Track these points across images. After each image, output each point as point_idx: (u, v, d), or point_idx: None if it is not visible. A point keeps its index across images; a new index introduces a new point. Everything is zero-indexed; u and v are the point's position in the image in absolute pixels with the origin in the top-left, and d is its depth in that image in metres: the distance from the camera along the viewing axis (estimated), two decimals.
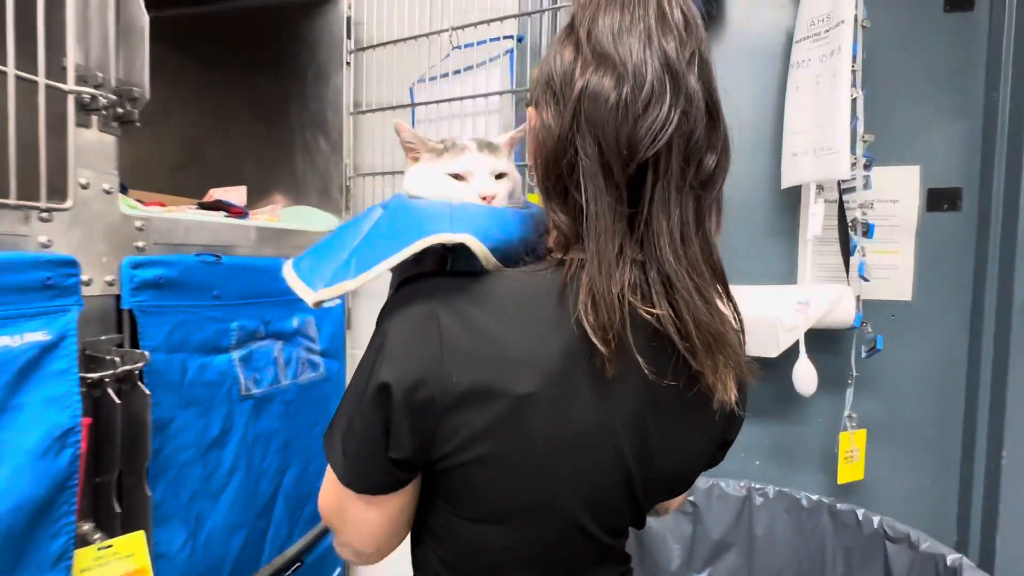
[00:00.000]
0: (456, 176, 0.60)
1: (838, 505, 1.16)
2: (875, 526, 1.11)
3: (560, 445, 0.46)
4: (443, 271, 0.51)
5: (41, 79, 0.64)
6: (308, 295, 0.48)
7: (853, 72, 1.08)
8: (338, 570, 1.29)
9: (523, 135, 0.66)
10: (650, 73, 0.45)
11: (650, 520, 1.22)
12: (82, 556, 0.67)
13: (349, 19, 1.33)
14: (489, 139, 0.64)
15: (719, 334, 0.46)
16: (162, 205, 0.89)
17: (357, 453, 0.48)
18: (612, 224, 0.45)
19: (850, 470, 1.16)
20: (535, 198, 1.16)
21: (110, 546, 0.70)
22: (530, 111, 0.54)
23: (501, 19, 1.16)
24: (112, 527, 0.73)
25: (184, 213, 0.91)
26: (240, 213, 1.02)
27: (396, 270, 0.50)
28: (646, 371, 0.46)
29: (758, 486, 1.25)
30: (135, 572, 0.71)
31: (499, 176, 0.61)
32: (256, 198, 1.40)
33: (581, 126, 0.46)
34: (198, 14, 1.43)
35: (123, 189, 0.86)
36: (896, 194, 1.23)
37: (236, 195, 1.25)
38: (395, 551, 0.58)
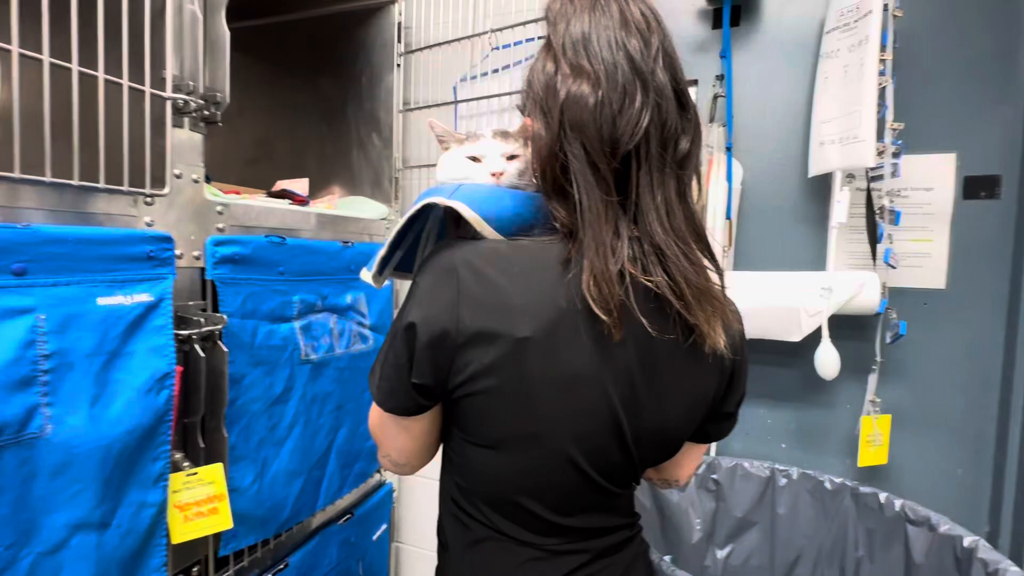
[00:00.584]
0: (473, 159, 0.69)
1: (861, 488, 1.19)
2: (897, 509, 1.13)
3: (551, 382, 0.55)
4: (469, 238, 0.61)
5: (147, 88, 0.78)
6: (367, 276, 0.65)
7: (883, 61, 1.09)
8: (384, 526, 1.43)
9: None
10: (621, 75, 0.53)
11: (671, 493, 1.28)
12: (175, 479, 0.82)
13: (400, 24, 1.45)
14: (505, 128, 0.73)
15: (706, 288, 0.55)
16: (238, 193, 1.04)
17: (388, 379, 0.59)
18: (604, 212, 0.54)
19: (872, 454, 1.18)
20: None
21: (195, 473, 0.84)
22: (526, 120, 0.63)
23: (536, 21, 1.24)
24: (197, 459, 0.88)
25: (256, 200, 1.05)
26: (302, 201, 1.16)
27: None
28: (649, 330, 0.54)
29: (782, 467, 1.29)
30: (214, 496, 0.85)
31: (510, 158, 0.70)
32: (317, 188, 1.56)
33: (567, 131, 0.54)
34: (268, 24, 1.60)
35: (207, 179, 1.02)
36: (930, 182, 1.22)
37: (300, 186, 1.40)
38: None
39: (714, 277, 0.57)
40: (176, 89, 0.83)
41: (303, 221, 1.14)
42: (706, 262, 0.57)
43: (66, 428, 0.68)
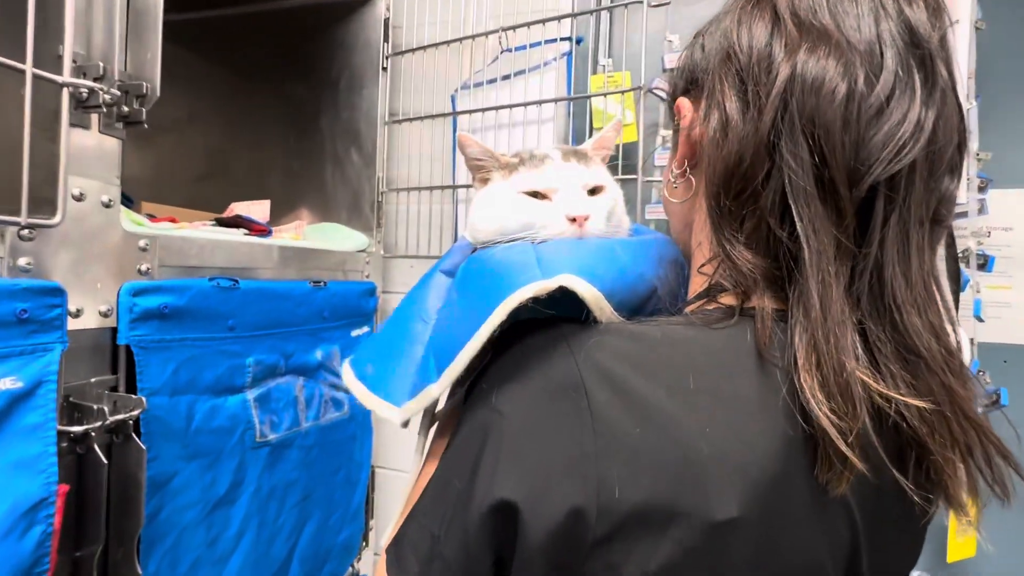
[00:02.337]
0: (535, 195, 0.46)
1: None
2: None
3: None
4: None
5: (28, 67, 0.52)
6: (393, 414, 0.39)
7: (966, 80, 0.93)
8: None
9: (616, 135, 0.53)
10: (890, 56, 0.32)
11: None
12: None
13: (387, 21, 1.22)
14: (575, 146, 0.50)
15: (982, 426, 0.33)
16: (174, 221, 0.78)
17: None
18: (838, 265, 0.32)
19: (961, 546, 0.98)
20: None
21: None
22: (682, 102, 0.41)
23: (558, 19, 1.04)
24: None
25: (199, 231, 0.79)
26: (262, 231, 0.90)
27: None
28: (875, 479, 0.32)
29: None
30: None
31: (592, 191, 0.47)
32: (281, 212, 1.29)
33: (792, 125, 0.32)
34: (226, 16, 1.34)
35: (128, 202, 0.75)
36: (1009, 221, 1.06)
37: (259, 209, 1.14)
38: None
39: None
40: (78, 73, 0.57)
41: (263, 257, 0.88)
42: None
43: None
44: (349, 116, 1.26)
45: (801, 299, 0.32)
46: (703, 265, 0.41)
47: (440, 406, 0.44)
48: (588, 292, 0.33)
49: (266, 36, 1.36)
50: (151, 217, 0.81)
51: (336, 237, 1.18)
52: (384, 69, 1.22)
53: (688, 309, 0.39)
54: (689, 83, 0.43)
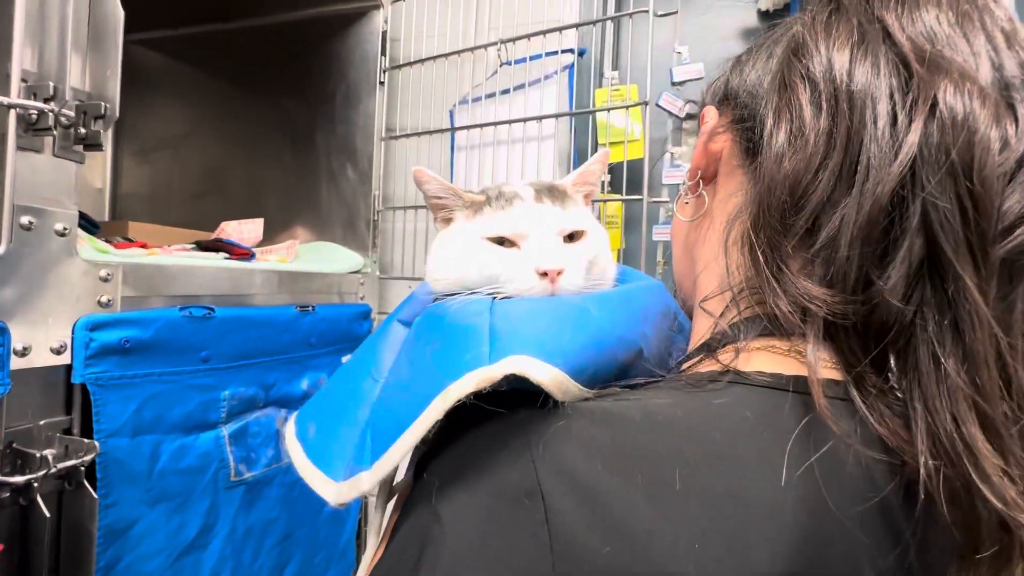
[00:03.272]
0: (502, 241, 0.40)
1: None
2: None
3: None
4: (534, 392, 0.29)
5: None
6: (328, 493, 0.32)
7: None
8: None
9: (602, 168, 0.47)
10: (1019, 101, 0.28)
11: None
12: None
13: (385, 34, 1.18)
14: (551, 182, 0.44)
15: None
16: (145, 247, 0.74)
17: None
18: (989, 337, 0.26)
19: None
20: (617, 213, 0.94)
21: None
22: (708, 110, 0.38)
23: (559, 29, 0.98)
24: None
25: (171, 257, 0.75)
26: (244, 255, 0.86)
27: None
28: None
29: None
30: None
31: (571, 237, 0.41)
32: (276, 231, 1.25)
33: (934, 169, 0.27)
34: (223, 31, 1.32)
35: (92, 228, 0.71)
36: None
37: (252, 228, 1.10)
38: None
39: None
40: (28, 93, 0.53)
41: (244, 282, 0.83)
42: None
43: None
44: (345, 131, 1.22)
45: (930, 373, 0.26)
46: (708, 299, 0.36)
47: (400, 475, 0.38)
48: (547, 377, 0.27)
49: (263, 50, 1.33)
50: (121, 241, 0.77)
51: (330, 257, 1.14)
52: (381, 83, 1.18)
53: (685, 368, 0.33)
54: (719, 91, 0.39)
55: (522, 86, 1.02)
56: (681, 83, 0.96)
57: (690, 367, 0.33)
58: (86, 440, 0.57)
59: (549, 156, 1.00)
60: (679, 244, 0.42)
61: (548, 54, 1.00)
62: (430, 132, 1.14)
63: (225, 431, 0.76)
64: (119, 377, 0.62)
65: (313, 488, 0.32)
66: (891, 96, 0.29)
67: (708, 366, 0.32)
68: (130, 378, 0.64)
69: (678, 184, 0.96)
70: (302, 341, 0.91)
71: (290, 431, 0.37)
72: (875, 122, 0.29)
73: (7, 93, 0.52)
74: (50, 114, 0.53)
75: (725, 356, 0.31)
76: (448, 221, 0.43)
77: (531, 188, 0.41)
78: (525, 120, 1.01)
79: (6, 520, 0.51)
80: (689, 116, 0.95)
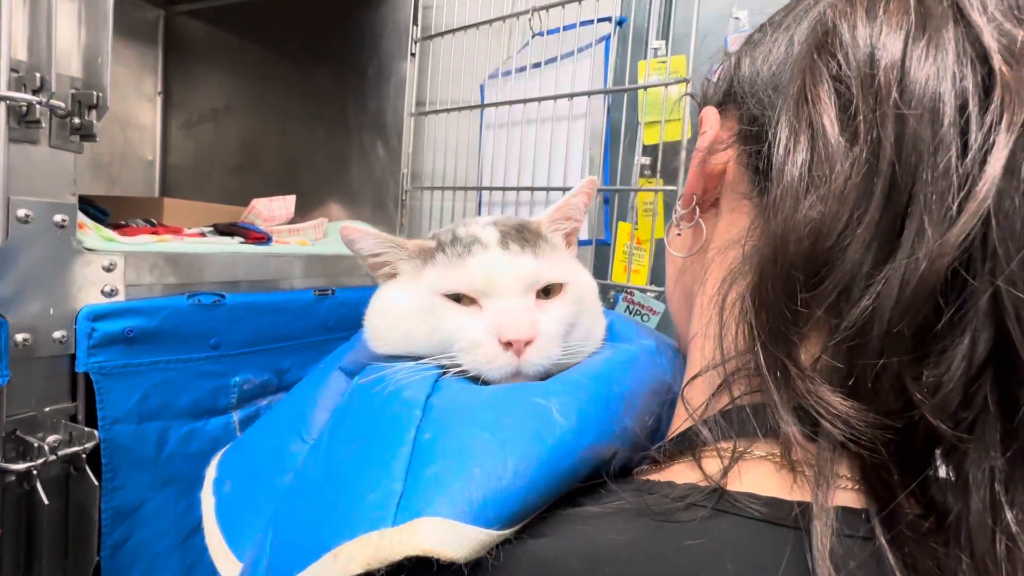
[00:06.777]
0: (458, 299, 0.33)
1: None
2: None
3: None
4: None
5: None
6: (227, 570, 0.29)
7: None
8: None
9: (587, 200, 0.39)
10: None
11: None
12: None
13: (417, 2, 1.12)
14: (520, 220, 0.36)
15: None
16: (155, 232, 0.74)
17: None
18: None
19: None
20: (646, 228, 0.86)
21: None
22: (708, 112, 0.30)
23: None
24: None
25: (181, 243, 0.75)
26: (260, 239, 0.85)
27: None
28: None
29: None
30: None
31: (546, 291, 0.34)
32: (309, 208, 1.25)
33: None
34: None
35: (102, 216, 0.72)
36: None
37: (283, 205, 1.09)
38: None
39: None
40: (18, 84, 0.52)
41: (259, 267, 0.83)
42: None
43: None
44: (376, 107, 1.18)
45: (984, 526, 0.19)
46: (697, 376, 0.28)
47: None
48: (463, 553, 0.21)
49: (298, 17, 1.30)
50: (134, 226, 0.77)
51: None
52: (413, 55, 1.13)
53: (662, 463, 0.27)
54: (728, 97, 0.30)
55: (554, 59, 0.94)
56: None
57: (665, 465, 0.26)
58: (86, 428, 0.59)
59: (578, 138, 0.92)
60: (671, 278, 0.34)
61: (583, 23, 0.91)
62: (459, 108, 1.08)
63: (236, 416, 0.77)
64: (123, 365, 0.63)
65: (214, 560, 0.29)
66: (962, 109, 0.20)
67: (686, 473, 0.25)
68: (135, 366, 0.65)
69: None
70: (320, 326, 0.90)
71: (209, 478, 0.34)
72: (935, 151, 0.20)
73: None
74: (38, 106, 0.52)
75: (710, 464, 0.24)
76: (391, 274, 0.37)
77: (495, 230, 0.34)
78: (556, 97, 0.93)
79: (11, 505, 0.54)
80: None
